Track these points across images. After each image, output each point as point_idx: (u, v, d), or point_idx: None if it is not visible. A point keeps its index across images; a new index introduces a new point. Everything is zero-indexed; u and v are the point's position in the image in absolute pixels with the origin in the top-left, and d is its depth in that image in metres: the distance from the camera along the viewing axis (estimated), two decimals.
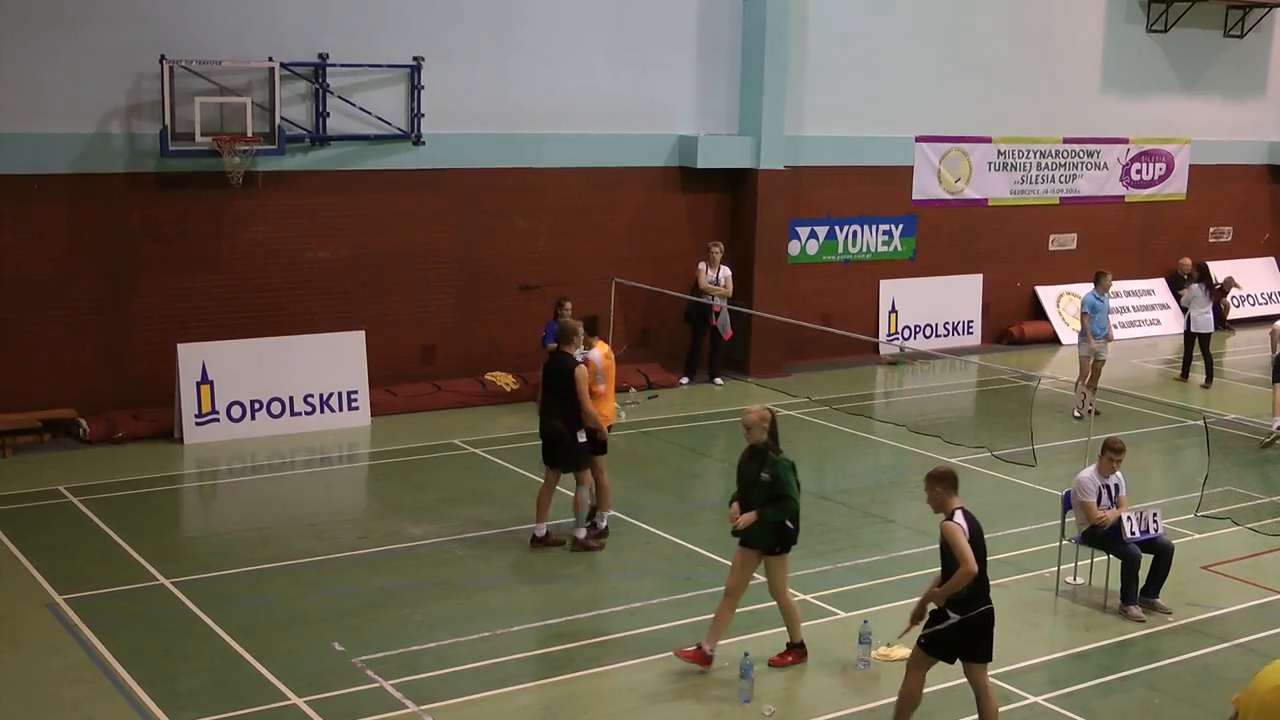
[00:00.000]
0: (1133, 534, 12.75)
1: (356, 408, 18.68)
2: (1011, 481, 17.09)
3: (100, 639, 11.53)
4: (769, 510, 10.89)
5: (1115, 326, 26.50)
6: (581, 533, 14.15)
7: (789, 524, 11.07)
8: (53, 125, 17.26)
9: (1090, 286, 20.49)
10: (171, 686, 10.73)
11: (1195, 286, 23.36)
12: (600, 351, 14.43)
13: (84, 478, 16.01)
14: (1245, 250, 30.02)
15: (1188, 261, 28.33)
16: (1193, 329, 23.19)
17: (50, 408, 17.48)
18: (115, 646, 11.39)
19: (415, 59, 19.29)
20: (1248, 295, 29.48)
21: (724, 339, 21.67)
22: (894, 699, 10.83)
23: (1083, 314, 20.48)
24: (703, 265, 21.43)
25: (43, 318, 17.52)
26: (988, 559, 9.96)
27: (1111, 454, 13.11)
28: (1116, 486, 13.17)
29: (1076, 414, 19.69)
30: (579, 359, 14.01)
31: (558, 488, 14.20)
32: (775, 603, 11.41)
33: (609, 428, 14.42)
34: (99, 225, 17.69)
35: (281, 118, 18.00)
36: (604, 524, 14.34)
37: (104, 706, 10.41)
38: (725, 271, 21.49)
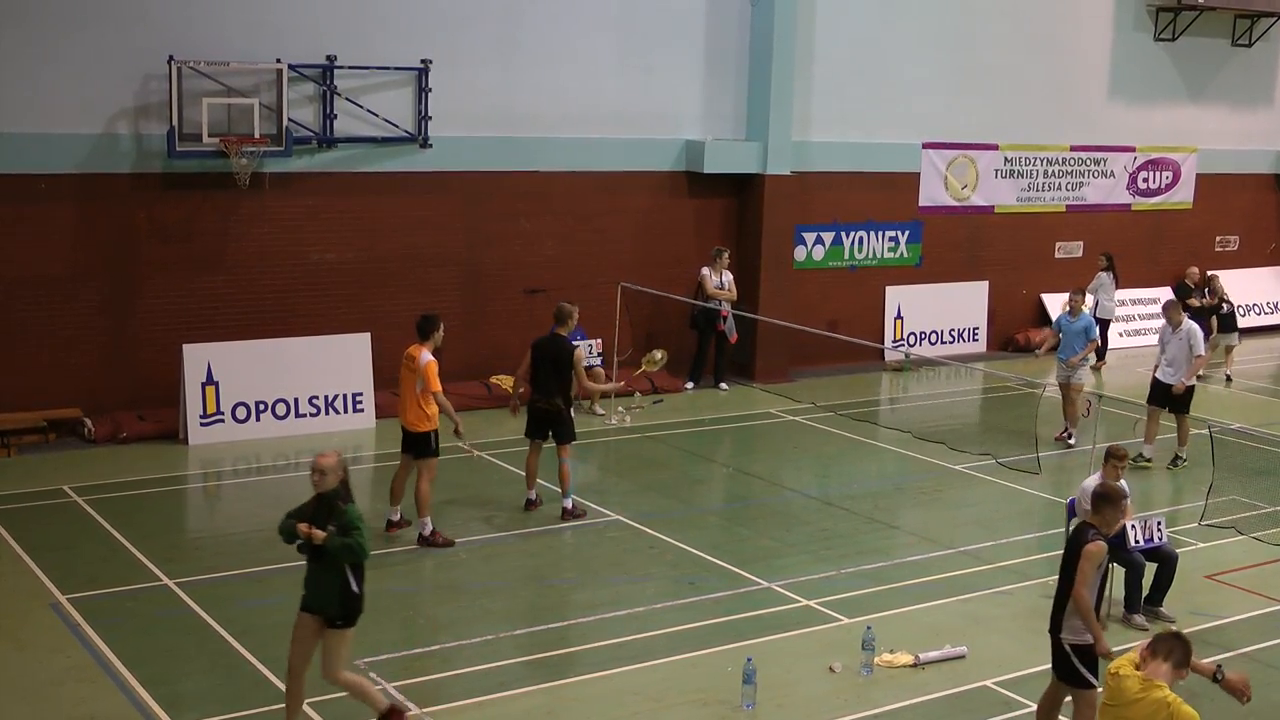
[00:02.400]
0: (1137, 542, 12.75)
1: (361, 410, 18.68)
2: (1015, 489, 17.08)
3: (103, 639, 11.53)
4: (338, 539, 9.60)
5: (1120, 335, 26.70)
6: (569, 503, 15.11)
7: (355, 588, 9.76)
8: (60, 125, 17.27)
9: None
10: (174, 687, 10.74)
11: (1103, 274, 24.29)
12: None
13: (88, 478, 16.01)
14: (1251, 259, 29.98)
15: (1195, 270, 28.38)
16: (1100, 315, 23.69)
17: (55, 407, 17.50)
18: (118, 646, 11.39)
19: (423, 62, 19.31)
20: (1254, 304, 29.48)
21: (730, 343, 21.68)
22: (895, 705, 10.87)
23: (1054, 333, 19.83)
24: (707, 270, 21.40)
25: (48, 317, 17.53)
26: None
27: (1115, 461, 13.12)
28: None
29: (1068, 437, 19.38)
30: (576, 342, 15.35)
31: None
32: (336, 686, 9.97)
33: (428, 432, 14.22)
34: (105, 225, 17.71)
35: (289, 119, 18.01)
36: (427, 531, 14.18)
37: (106, 706, 10.41)
38: (728, 276, 21.48)
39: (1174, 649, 7.65)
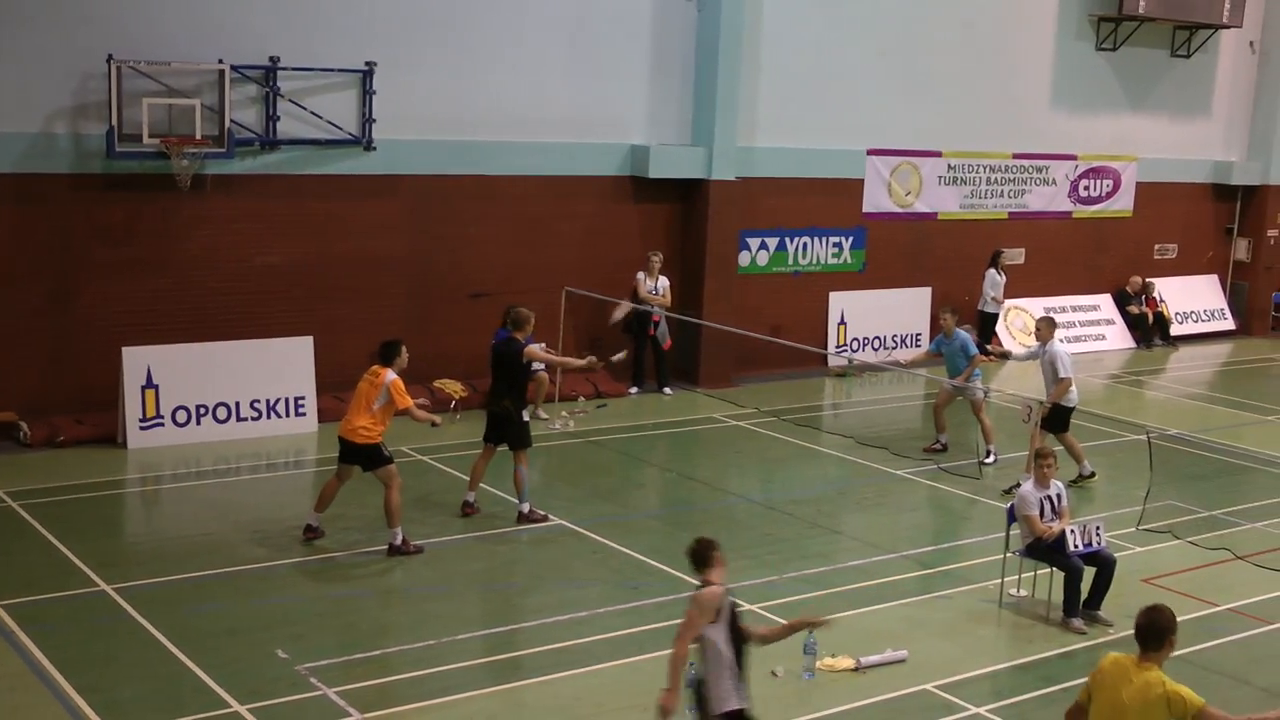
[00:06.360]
0: (1076, 547, 12.86)
1: (304, 414, 18.57)
2: (957, 494, 17.20)
3: (39, 646, 11.38)
4: None
5: (1063, 340, 26.85)
6: (525, 507, 15.16)
7: None
8: None
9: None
10: (112, 694, 10.63)
11: (991, 271, 25.16)
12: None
13: (24, 482, 15.81)
14: (1189, 267, 30.36)
15: (1138, 279, 28.77)
16: (989, 310, 25.24)
17: None
18: (54, 653, 11.26)
19: (367, 64, 19.21)
20: (1191, 312, 29.86)
21: (663, 349, 21.68)
22: (837, 709, 10.90)
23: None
24: (641, 275, 21.41)
25: None
26: None
27: (1040, 461, 13.25)
28: (1058, 496, 13.28)
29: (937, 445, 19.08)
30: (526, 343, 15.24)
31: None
32: None
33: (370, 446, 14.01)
34: (43, 227, 17.50)
35: (231, 120, 17.87)
36: (398, 540, 14.03)
37: (43, 714, 10.29)
38: (664, 281, 21.47)
39: (1163, 633, 7.98)
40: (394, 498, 13.99)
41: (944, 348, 18.96)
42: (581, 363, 16.52)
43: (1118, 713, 7.77)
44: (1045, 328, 17.70)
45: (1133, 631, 8.02)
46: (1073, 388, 17.32)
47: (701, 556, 8.79)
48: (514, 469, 15.19)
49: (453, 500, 15.58)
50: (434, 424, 14.40)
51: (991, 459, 18.32)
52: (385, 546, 14.02)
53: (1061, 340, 17.56)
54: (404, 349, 14.32)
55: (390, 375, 14.02)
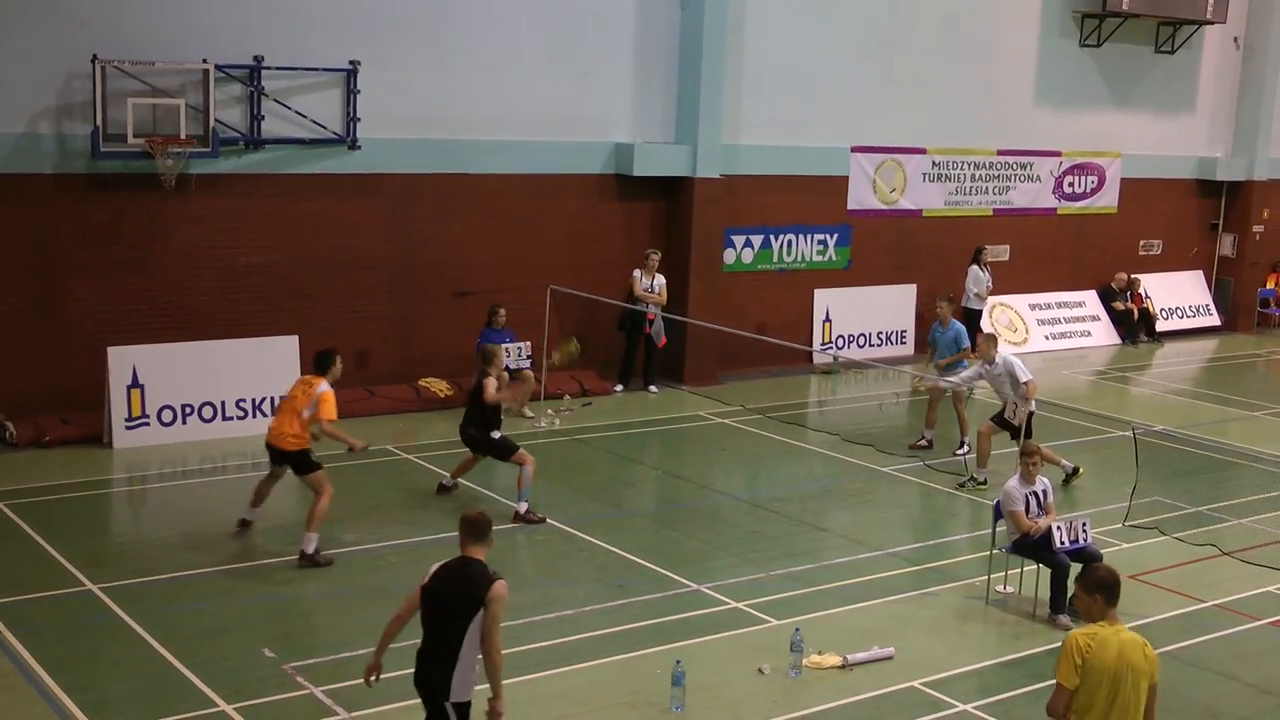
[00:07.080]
0: (1062, 543, 12.89)
1: None
2: (943, 491, 17.22)
3: (25, 645, 11.36)
4: None
5: (1046, 339, 27.03)
6: (522, 507, 15.06)
7: None
8: None
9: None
10: (98, 693, 10.60)
11: (974, 268, 25.16)
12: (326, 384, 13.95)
13: (10, 482, 15.74)
14: (1174, 263, 30.45)
15: (1123, 275, 28.86)
16: (973, 306, 25.05)
17: None
18: (41, 653, 11.23)
19: (352, 63, 19.19)
20: (1176, 308, 29.95)
21: (658, 347, 21.69)
22: (823, 706, 10.90)
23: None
24: (638, 272, 21.44)
25: None
26: None
27: (1026, 459, 13.27)
28: (1044, 492, 13.31)
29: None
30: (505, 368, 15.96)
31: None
32: None
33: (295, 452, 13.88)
34: (28, 226, 17.45)
35: (215, 120, 17.83)
36: (311, 548, 13.69)
37: (28, 714, 10.26)
38: (660, 279, 21.49)
39: (1113, 590, 8.10)
40: (323, 504, 13.76)
41: (938, 335, 19.15)
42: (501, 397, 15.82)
43: (1116, 682, 7.77)
44: (988, 345, 17.40)
45: (1098, 593, 8.01)
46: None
47: (488, 530, 8.86)
48: (519, 469, 15.19)
49: (432, 498, 15.58)
50: (352, 448, 14.12)
51: (964, 449, 18.39)
52: (372, 545, 14.01)
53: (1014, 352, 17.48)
54: (338, 360, 14.18)
55: (323, 386, 13.81)
